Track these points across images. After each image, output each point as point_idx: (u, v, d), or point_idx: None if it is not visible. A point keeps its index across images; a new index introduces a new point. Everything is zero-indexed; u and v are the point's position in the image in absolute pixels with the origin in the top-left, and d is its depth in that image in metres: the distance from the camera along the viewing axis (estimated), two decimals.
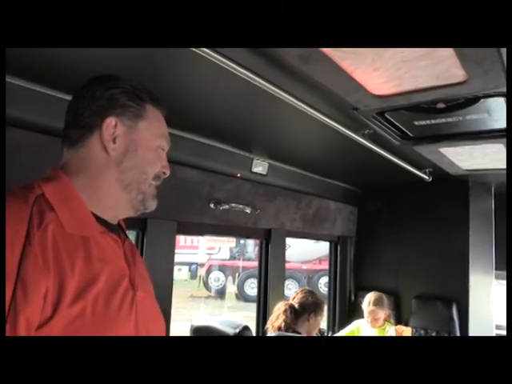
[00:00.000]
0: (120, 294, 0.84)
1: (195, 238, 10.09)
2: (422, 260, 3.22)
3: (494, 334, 3.17)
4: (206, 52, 0.99)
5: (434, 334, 3.06)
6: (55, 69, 1.21)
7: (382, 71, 1.25)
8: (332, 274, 3.56)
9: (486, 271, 3.14)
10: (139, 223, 1.86)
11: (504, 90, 1.33)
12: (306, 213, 2.99)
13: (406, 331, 2.80)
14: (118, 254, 0.90)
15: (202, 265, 10.55)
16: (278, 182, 2.62)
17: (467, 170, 2.72)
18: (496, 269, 3.15)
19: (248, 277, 9.87)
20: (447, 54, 1.12)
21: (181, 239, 9.37)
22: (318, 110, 1.45)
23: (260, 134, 2.05)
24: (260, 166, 2.36)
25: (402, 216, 3.36)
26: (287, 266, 3.27)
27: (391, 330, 2.76)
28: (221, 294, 10.31)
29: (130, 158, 0.90)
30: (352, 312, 3.41)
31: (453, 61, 1.16)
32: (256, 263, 3.63)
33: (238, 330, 1.96)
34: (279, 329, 2.20)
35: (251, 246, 10.35)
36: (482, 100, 1.47)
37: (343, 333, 3.04)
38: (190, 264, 10.41)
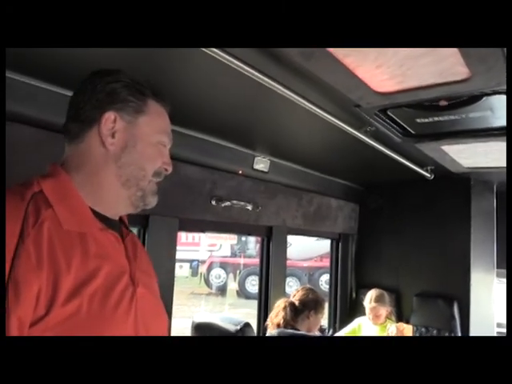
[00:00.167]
0: (119, 290, 0.84)
1: (196, 235, 10.11)
2: (423, 258, 3.22)
3: (495, 332, 3.17)
4: (208, 50, 0.99)
5: (434, 332, 3.06)
6: (57, 64, 1.21)
7: (385, 68, 1.24)
8: (333, 272, 3.56)
9: (488, 269, 3.14)
10: (141, 220, 1.86)
11: None
12: (308, 210, 2.99)
13: (407, 329, 2.80)
14: (118, 250, 0.89)
15: (204, 262, 10.57)
16: (279, 180, 2.62)
17: (469, 168, 2.71)
18: (497, 267, 3.15)
19: (249, 274, 9.88)
20: (450, 51, 1.11)
21: (182, 236, 9.38)
22: (320, 107, 1.45)
23: (262, 131, 2.05)
24: (262, 163, 2.36)
25: (403, 214, 3.35)
26: (288, 263, 3.27)
27: (392, 328, 2.76)
28: (222, 291, 10.33)
29: (128, 153, 0.89)
30: (353, 309, 3.42)
31: (456, 58, 1.15)
32: (257, 260, 3.63)
33: (239, 327, 1.96)
34: (278, 326, 2.20)
35: (252, 243, 10.36)
36: (484, 97, 1.46)
37: (345, 330, 3.04)
38: (191, 261, 10.42)
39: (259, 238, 2.89)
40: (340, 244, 3.53)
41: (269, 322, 2.29)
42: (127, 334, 0.83)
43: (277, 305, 2.30)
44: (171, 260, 2.04)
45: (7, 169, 0.82)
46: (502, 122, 1.74)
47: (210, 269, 10.45)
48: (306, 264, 10.00)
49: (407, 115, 1.71)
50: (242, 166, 2.28)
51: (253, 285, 9.48)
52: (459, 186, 3.08)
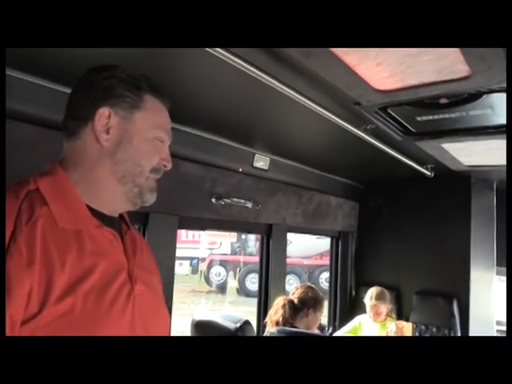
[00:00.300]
0: (115, 288, 0.83)
1: (196, 233, 10.12)
2: (423, 256, 3.22)
3: (494, 330, 3.17)
4: (208, 48, 0.99)
5: (434, 330, 3.07)
6: (57, 62, 1.21)
7: (385, 66, 1.24)
8: (333, 270, 3.57)
9: (487, 267, 3.14)
10: (141, 218, 1.86)
11: None
12: (308, 208, 2.99)
13: (407, 326, 2.81)
14: (115, 248, 0.88)
15: (204, 259, 10.59)
16: (279, 177, 2.62)
17: (469, 166, 2.71)
18: (497, 265, 3.15)
19: (249, 272, 9.89)
20: (451, 49, 1.11)
21: (182, 234, 9.39)
22: (320, 104, 1.45)
23: (262, 128, 2.04)
24: (261, 161, 2.36)
25: (403, 211, 3.35)
26: (288, 261, 3.27)
27: (391, 326, 2.76)
28: (222, 288, 10.34)
29: (123, 149, 0.88)
30: (353, 307, 3.42)
31: (456, 56, 1.15)
32: (257, 258, 3.63)
33: (238, 325, 1.97)
34: (277, 323, 2.20)
35: (252, 240, 10.37)
36: (485, 95, 1.46)
37: (346, 328, 3.04)
38: (191, 259, 10.44)
39: (259, 236, 2.89)
40: (340, 242, 3.53)
41: (268, 319, 2.28)
42: (123, 333, 0.82)
43: (276, 302, 2.30)
44: (171, 258, 2.04)
45: (7, 167, 0.82)
46: (502, 119, 1.74)
47: (210, 267, 10.46)
48: (306, 262, 10.01)
49: (407, 113, 1.71)
50: (242, 163, 2.28)
51: (253, 283, 9.49)
52: (459, 184, 3.08)
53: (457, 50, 1.11)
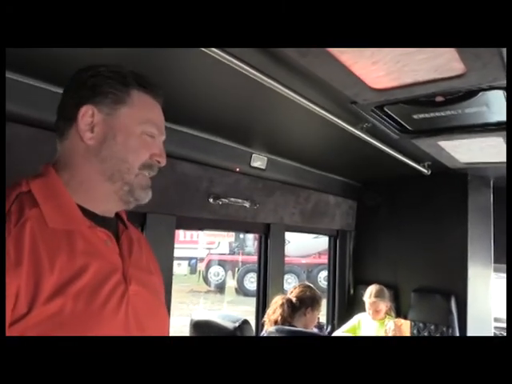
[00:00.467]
0: (108, 288, 0.82)
1: (194, 233, 10.12)
2: (420, 253, 3.22)
3: (492, 327, 3.19)
4: (205, 49, 0.99)
5: (432, 327, 3.08)
6: (55, 64, 1.20)
7: (381, 64, 1.24)
8: (331, 268, 3.57)
9: (485, 264, 3.15)
10: (139, 218, 1.86)
11: (503, 82, 1.32)
12: (305, 207, 2.99)
13: (405, 324, 2.82)
14: (109, 248, 0.87)
15: (202, 259, 10.59)
16: (276, 177, 2.62)
17: (466, 164, 2.72)
18: (494, 262, 3.16)
19: (247, 271, 9.90)
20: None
21: (180, 234, 9.39)
22: (316, 103, 1.45)
23: (259, 128, 2.04)
24: (259, 161, 2.36)
25: (401, 210, 3.36)
26: (287, 260, 3.28)
27: (390, 323, 2.77)
28: (220, 288, 10.35)
29: (108, 146, 0.86)
30: (351, 306, 3.42)
31: (452, 54, 1.16)
32: (255, 258, 3.64)
33: (237, 324, 1.97)
34: (276, 322, 2.20)
35: (250, 240, 10.37)
36: (480, 93, 1.47)
37: (345, 327, 3.05)
38: (189, 259, 10.44)
39: (257, 236, 2.89)
40: (338, 241, 3.53)
41: (266, 318, 2.29)
42: (117, 333, 0.81)
43: (274, 301, 2.31)
44: (169, 258, 2.04)
45: (6, 167, 0.82)
46: (498, 117, 1.74)
47: (208, 266, 10.46)
48: (304, 261, 10.02)
49: (404, 111, 1.71)
50: (240, 163, 2.28)
51: (251, 282, 9.50)
52: (456, 181, 3.09)
53: (452, 48, 1.11)
